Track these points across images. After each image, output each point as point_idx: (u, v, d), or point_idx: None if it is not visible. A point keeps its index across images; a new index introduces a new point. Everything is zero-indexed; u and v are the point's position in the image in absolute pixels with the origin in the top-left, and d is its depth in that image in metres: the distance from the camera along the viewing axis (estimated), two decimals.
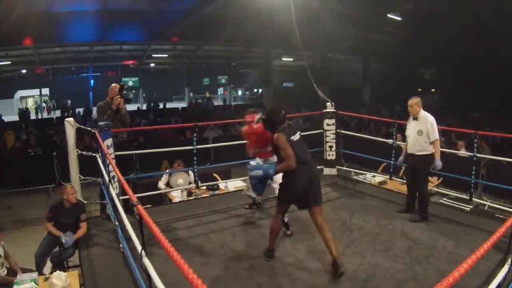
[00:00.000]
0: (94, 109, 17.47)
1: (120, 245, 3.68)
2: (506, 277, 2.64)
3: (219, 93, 36.60)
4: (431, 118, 4.44)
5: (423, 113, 4.49)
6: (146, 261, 2.34)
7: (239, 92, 36.63)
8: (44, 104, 27.78)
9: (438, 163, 4.45)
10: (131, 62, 24.40)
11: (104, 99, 4.93)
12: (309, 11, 12.67)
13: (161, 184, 6.14)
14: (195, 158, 5.35)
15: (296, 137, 3.49)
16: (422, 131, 4.42)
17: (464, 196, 5.42)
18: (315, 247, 3.89)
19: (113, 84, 4.92)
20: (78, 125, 5.00)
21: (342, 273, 3.26)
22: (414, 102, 4.48)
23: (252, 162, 3.84)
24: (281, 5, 8.83)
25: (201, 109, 20.50)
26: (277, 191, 3.85)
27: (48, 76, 24.50)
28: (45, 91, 27.60)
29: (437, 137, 4.44)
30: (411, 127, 4.57)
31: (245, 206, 5.02)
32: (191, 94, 32.15)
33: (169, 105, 24.23)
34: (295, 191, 3.44)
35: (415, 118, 4.52)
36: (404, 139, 4.97)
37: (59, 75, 26.39)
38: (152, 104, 23.70)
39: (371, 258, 3.62)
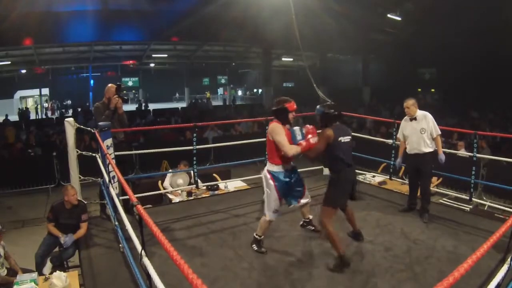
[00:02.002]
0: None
1: (120, 245, 3.69)
2: (505, 277, 2.64)
3: (219, 93, 36.63)
4: (430, 115, 4.53)
5: (420, 112, 4.57)
6: (146, 261, 2.34)
7: (239, 92, 36.65)
8: (46, 104, 27.83)
9: (442, 156, 4.54)
10: (131, 62, 24.40)
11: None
12: (309, 11, 12.68)
13: (166, 183, 6.14)
14: (194, 158, 5.35)
15: (345, 139, 3.58)
16: (424, 129, 4.48)
17: (464, 196, 5.42)
18: (315, 247, 3.90)
19: (109, 84, 4.91)
20: (78, 125, 5.01)
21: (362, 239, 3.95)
22: (410, 103, 4.56)
23: (297, 128, 3.66)
24: (281, 5, 8.82)
25: (201, 109, 20.50)
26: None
27: (48, 76, 24.52)
28: (45, 91, 27.62)
29: (439, 131, 4.54)
30: (411, 128, 4.60)
31: (262, 250, 3.87)
32: (177, 95, 32.39)
33: (166, 105, 24.33)
34: (343, 193, 3.63)
35: (413, 118, 4.58)
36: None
37: (59, 75, 26.44)
38: (143, 105, 23.81)
39: (371, 258, 3.62)
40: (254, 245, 3.86)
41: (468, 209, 5.43)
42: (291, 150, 3.53)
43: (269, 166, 3.73)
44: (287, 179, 3.71)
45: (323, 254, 3.75)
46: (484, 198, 6.54)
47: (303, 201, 3.93)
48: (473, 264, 1.74)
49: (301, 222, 4.34)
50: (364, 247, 3.87)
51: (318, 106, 3.65)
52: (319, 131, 3.67)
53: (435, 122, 4.51)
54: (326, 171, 6.22)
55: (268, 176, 3.70)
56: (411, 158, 4.64)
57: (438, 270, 3.35)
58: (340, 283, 3.24)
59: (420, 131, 4.50)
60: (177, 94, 33.55)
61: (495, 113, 15.30)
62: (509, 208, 5.30)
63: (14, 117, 20.19)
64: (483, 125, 12.42)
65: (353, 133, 3.90)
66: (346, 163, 3.58)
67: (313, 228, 4.22)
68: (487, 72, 17.05)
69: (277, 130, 3.61)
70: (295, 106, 3.73)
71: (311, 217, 4.23)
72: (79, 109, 21.13)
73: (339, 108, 3.68)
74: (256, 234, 3.86)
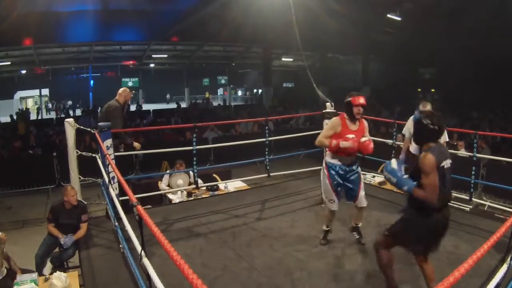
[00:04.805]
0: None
1: (120, 246, 3.69)
2: (505, 276, 2.64)
3: (219, 94, 36.61)
4: None
5: None
6: (146, 261, 2.34)
7: (239, 93, 36.63)
8: (50, 105, 27.82)
9: None
10: (130, 62, 24.39)
11: (105, 99, 4.98)
12: (309, 11, 12.67)
13: (163, 185, 6.14)
14: (194, 158, 5.35)
15: (447, 164, 2.68)
16: None
17: (464, 196, 5.41)
18: (315, 247, 3.90)
19: (126, 89, 5.23)
20: (78, 126, 5.02)
21: None
22: (429, 109, 4.46)
23: (393, 162, 2.85)
24: (281, 5, 8.82)
25: (201, 109, 20.48)
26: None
27: (48, 76, 24.46)
28: (45, 91, 27.59)
29: (447, 139, 4.55)
30: None
31: (321, 241, 3.99)
32: (168, 96, 32.24)
33: (160, 106, 24.43)
34: (423, 237, 2.75)
35: None
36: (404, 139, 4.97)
37: (59, 76, 26.37)
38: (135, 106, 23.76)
39: (371, 258, 3.62)
40: (322, 235, 3.98)
41: (468, 209, 5.41)
42: (319, 140, 3.73)
43: (326, 155, 3.85)
44: (340, 172, 3.74)
45: (323, 254, 3.75)
46: (484, 198, 6.53)
47: (358, 203, 3.84)
48: (474, 264, 1.74)
49: (350, 226, 4.13)
50: (365, 247, 3.87)
51: (416, 113, 3.04)
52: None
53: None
54: None
55: (324, 165, 3.85)
56: (414, 158, 4.63)
57: (438, 270, 3.34)
58: (340, 283, 3.24)
59: None
60: (168, 95, 33.16)
61: (495, 113, 15.31)
62: (509, 208, 5.29)
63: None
64: (483, 125, 12.42)
65: None
66: (445, 199, 2.73)
67: (358, 236, 3.98)
68: (487, 72, 17.06)
69: (329, 125, 3.80)
70: (359, 101, 3.61)
71: (359, 224, 3.99)
72: (84, 110, 21.15)
73: (440, 120, 2.69)
74: (324, 226, 3.99)
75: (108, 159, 3.86)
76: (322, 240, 3.96)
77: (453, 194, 5.74)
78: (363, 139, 3.63)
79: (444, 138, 4.45)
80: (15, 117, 18.46)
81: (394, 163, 2.82)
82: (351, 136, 3.61)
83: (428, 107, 4.48)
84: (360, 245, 3.91)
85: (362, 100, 3.63)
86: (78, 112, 24.34)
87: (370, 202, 5.18)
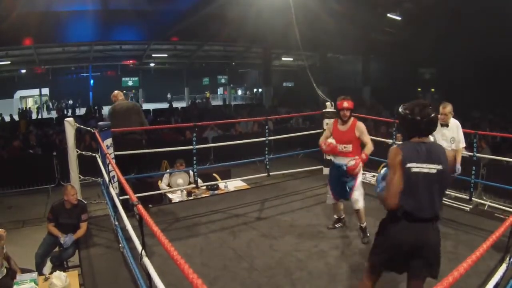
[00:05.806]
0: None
1: (120, 245, 3.69)
2: (504, 276, 2.65)
3: (219, 93, 36.62)
4: (460, 126, 4.41)
5: (453, 120, 4.39)
6: (146, 261, 2.34)
7: (239, 92, 36.63)
8: (50, 104, 27.83)
9: (459, 166, 4.45)
10: (130, 62, 24.39)
11: (105, 99, 5.05)
12: (309, 11, 12.68)
13: (163, 184, 6.14)
14: (194, 158, 5.35)
15: (423, 168, 2.20)
16: (454, 139, 4.36)
17: (464, 196, 5.41)
18: (315, 247, 3.90)
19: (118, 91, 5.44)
20: (78, 125, 5.03)
21: None
22: (449, 110, 4.31)
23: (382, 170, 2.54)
24: (281, 5, 8.83)
25: (201, 109, 20.48)
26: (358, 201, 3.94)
27: (48, 76, 24.46)
28: (45, 91, 27.61)
29: (465, 144, 4.48)
30: (441, 134, 4.37)
31: (329, 226, 4.36)
32: (169, 95, 32.22)
33: (163, 105, 24.43)
34: (386, 250, 2.37)
35: (445, 125, 4.37)
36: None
37: (59, 75, 26.37)
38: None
39: None
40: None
41: (468, 209, 5.41)
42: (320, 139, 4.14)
43: None
44: (337, 170, 4.00)
45: (323, 254, 3.75)
46: (484, 198, 6.53)
47: (353, 204, 4.00)
48: (472, 264, 1.74)
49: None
50: (365, 246, 3.87)
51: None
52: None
53: (462, 134, 4.40)
54: (326, 171, 6.20)
55: None
56: None
57: None
58: (340, 283, 3.24)
59: (450, 140, 4.35)
60: (169, 95, 32.90)
61: (495, 113, 15.32)
62: (509, 208, 5.29)
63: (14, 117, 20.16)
64: (483, 125, 12.42)
65: None
66: (409, 213, 2.22)
67: (362, 235, 4.03)
68: (487, 72, 17.07)
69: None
70: (343, 105, 3.91)
71: (363, 225, 4.03)
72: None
73: (427, 110, 2.23)
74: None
75: (109, 158, 3.86)
76: (330, 225, 4.32)
77: (453, 193, 5.80)
78: (350, 163, 3.76)
79: (462, 143, 4.40)
80: (15, 116, 18.51)
81: (382, 170, 2.49)
82: (329, 141, 3.92)
83: (449, 108, 4.29)
84: (360, 245, 3.91)
85: (345, 104, 3.92)
86: (79, 111, 24.26)
87: (369, 202, 5.18)
